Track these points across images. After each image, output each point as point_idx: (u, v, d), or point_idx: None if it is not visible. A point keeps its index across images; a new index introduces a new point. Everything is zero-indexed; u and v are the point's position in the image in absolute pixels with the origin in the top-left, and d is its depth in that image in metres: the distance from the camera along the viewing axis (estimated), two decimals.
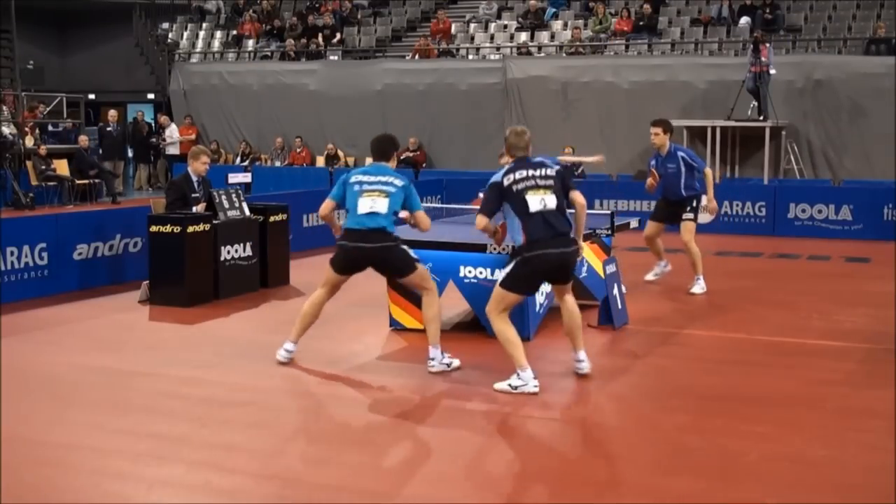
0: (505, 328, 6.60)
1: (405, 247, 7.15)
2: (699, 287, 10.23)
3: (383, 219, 6.94)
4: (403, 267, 7.12)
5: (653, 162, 10.41)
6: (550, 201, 6.45)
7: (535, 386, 6.43)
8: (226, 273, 9.87)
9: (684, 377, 7.21)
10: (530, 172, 6.52)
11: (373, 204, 6.93)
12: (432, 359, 6.99)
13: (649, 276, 10.77)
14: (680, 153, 10.19)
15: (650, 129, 10.32)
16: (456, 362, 7.07)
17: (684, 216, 10.24)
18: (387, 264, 7.16)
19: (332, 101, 22.25)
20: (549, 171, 6.57)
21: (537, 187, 6.46)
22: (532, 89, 20.50)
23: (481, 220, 6.62)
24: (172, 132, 23.54)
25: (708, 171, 10.32)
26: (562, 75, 20.36)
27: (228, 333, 8.65)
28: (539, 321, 8.26)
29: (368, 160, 24.00)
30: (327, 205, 7.19)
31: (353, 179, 7.08)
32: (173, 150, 23.31)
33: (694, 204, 10.28)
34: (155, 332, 8.79)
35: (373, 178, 7.04)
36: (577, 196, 6.63)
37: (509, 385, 6.48)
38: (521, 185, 6.47)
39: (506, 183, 6.51)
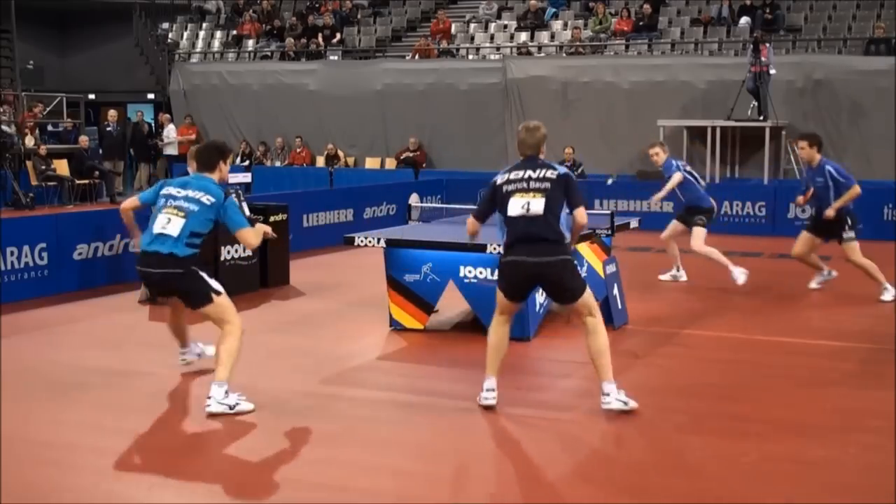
0: (491, 329, 6.27)
1: (203, 275, 6.18)
2: (889, 295, 9.78)
3: (173, 242, 6.05)
4: (194, 299, 6.22)
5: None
6: (536, 206, 5.88)
7: (486, 399, 6.08)
8: (226, 273, 9.87)
9: (684, 377, 7.22)
10: (528, 174, 5.99)
11: (166, 223, 6.09)
12: (210, 397, 5.94)
13: (813, 284, 10.51)
14: (828, 167, 9.86)
15: (798, 143, 10.44)
16: (247, 406, 6.00)
17: (845, 235, 9.87)
18: (176, 293, 6.39)
19: (332, 101, 22.25)
20: (550, 174, 5.96)
21: (526, 190, 5.93)
22: (532, 89, 20.50)
23: (470, 223, 6.28)
24: (169, 132, 23.54)
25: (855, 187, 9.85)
26: (562, 75, 20.36)
27: None
28: (539, 321, 8.26)
29: (368, 160, 23.97)
30: (130, 202, 6.44)
31: (164, 190, 6.27)
32: (171, 151, 23.30)
33: (850, 222, 9.88)
34: (155, 331, 8.77)
35: (181, 193, 6.18)
36: (580, 214, 5.99)
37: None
38: (511, 187, 5.99)
39: (498, 181, 6.09)
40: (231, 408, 5.89)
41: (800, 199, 10.44)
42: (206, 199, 6.11)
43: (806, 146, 9.98)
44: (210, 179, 6.28)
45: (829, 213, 9.75)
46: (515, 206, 5.93)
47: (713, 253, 10.48)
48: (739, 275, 10.29)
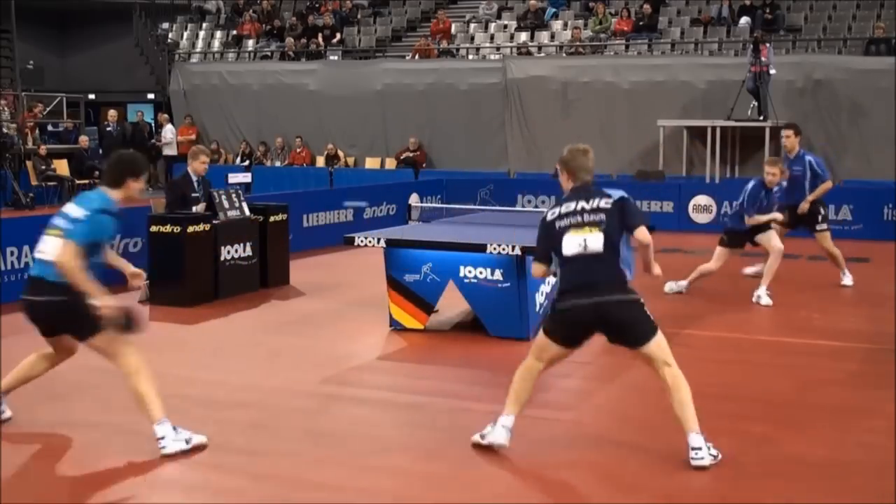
0: (521, 373, 5.57)
1: (87, 303, 5.38)
2: (848, 279, 10.66)
3: (46, 266, 5.39)
4: (76, 329, 5.51)
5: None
6: (594, 243, 5.19)
7: (503, 438, 5.42)
8: (226, 273, 9.88)
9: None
10: (580, 205, 5.29)
11: (43, 246, 5.47)
12: (160, 438, 5.30)
13: (845, 282, 10.80)
14: (808, 157, 10.54)
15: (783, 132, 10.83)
16: (199, 438, 5.42)
17: (818, 227, 10.57)
18: (54, 324, 5.58)
19: (332, 101, 22.25)
20: (604, 203, 5.27)
21: (581, 225, 5.24)
22: (532, 89, 20.50)
23: (536, 269, 5.55)
24: (168, 132, 23.54)
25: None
26: (562, 75, 20.35)
27: (228, 333, 8.65)
28: (539, 321, 8.25)
29: (368, 160, 23.97)
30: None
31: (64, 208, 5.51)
32: (170, 151, 23.30)
33: (822, 213, 10.60)
34: (155, 332, 8.77)
35: (66, 209, 5.47)
36: (642, 234, 5.28)
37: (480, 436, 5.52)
38: (563, 223, 5.29)
39: (549, 218, 5.40)
40: (187, 442, 5.31)
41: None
42: (81, 213, 5.36)
43: (791, 134, 10.53)
44: (102, 194, 5.45)
45: (804, 206, 10.35)
46: (571, 245, 5.24)
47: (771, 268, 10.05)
48: (764, 298, 9.77)
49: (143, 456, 5.35)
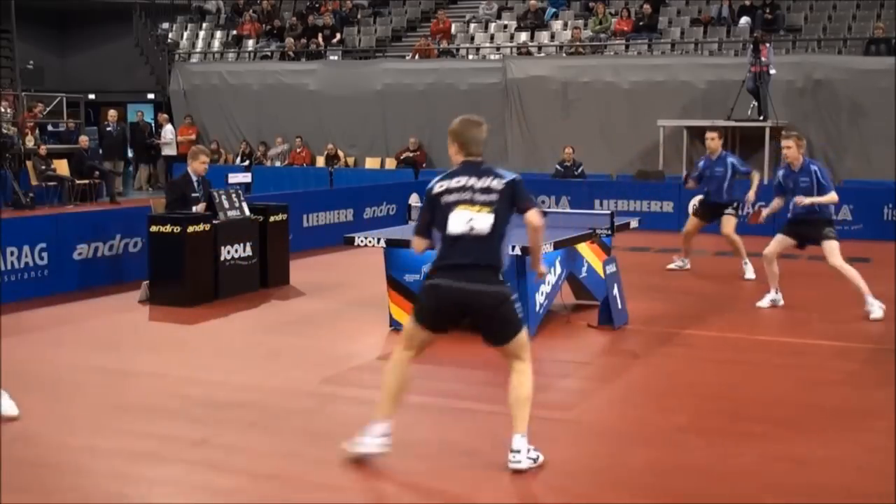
0: (392, 367, 5.25)
1: None
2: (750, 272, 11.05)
3: None
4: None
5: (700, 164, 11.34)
6: (481, 223, 4.95)
7: (381, 445, 5.14)
8: (226, 273, 9.87)
9: (684, 377, 7.21)
10: (471, 182, 5.02)
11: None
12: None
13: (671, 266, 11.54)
14: (730, 159, 11.18)
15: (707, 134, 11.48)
16: None
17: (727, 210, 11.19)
18: None
19: (332, 101, 22.25)
20: (496, 184, 5.01)
21: (471, 203, 4.98)
22: (532, 89, 20.50)
23: (416, 242, 5.27)
24: (167, 132, 23.54)
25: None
26: (562, 75, 20.36)
27: (228, 333, 8.65)
28: (539, 321, 8.25)
29: (368, 160, 24.01)
30: None
31: None
32: (169, 151, 23.31)
33: (735, 204, 11.25)
34: (155, 332, 8.79)
35: None
36: (533, 216, 5.04)
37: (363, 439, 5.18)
38: (451, 197, 5.02)
39: (436, 190, 5.11)
40: None
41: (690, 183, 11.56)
42: None
43: (716, 136, 11.29)
44: None
45: (750, 196, 10.94)
46: (458, 222, 4.97)
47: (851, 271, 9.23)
48: (877, 308, 8.99)
49: (144, 456, 5.35)
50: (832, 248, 9.00)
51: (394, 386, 5.23)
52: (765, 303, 9.54)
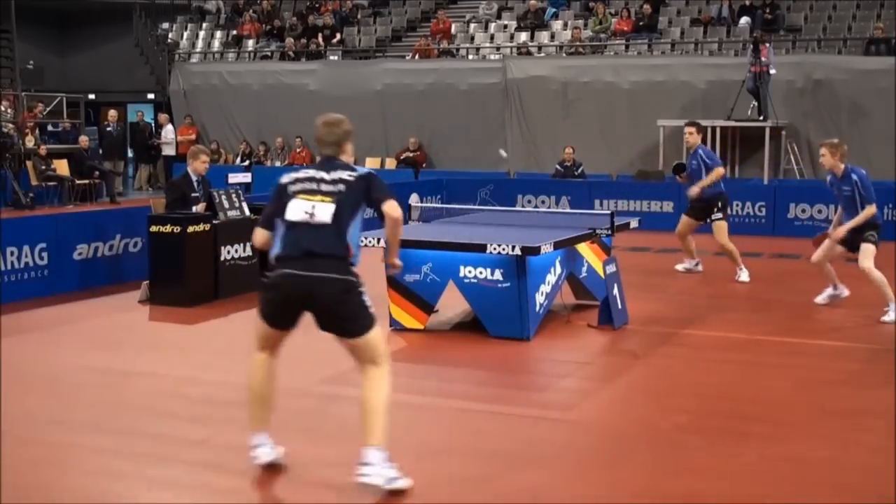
0: (250, 372, 5.06)
1: None
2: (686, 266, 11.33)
3: None
4: None
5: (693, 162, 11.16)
6: (323, 213, 4.78)
7: (258, 456, 5.04)
8: (226, 273, 9.87)
9: (684, 377, 7.21)
10: (321, 174, 4.88)
11: None
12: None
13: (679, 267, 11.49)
14: (700, 151, 11.10)
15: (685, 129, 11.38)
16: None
17: (714, 216, 11.04)
18: None
19: (332, 101, 22.17)
20: (347, 176, 4.87)
21: (314, 192, 4.83)
22: (532, 89, 20.50)
23: (257, 235, 5.01)
24: (168, 132, 23.54)
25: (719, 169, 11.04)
26: (562, 75, 20.36)
27: (228, 333, 8.65)
28: (539, 321, 8.26)
29: (368, 160, 24.03)
30: None
31: None
32: (169, 151, 23.31)
33: (720, 205, 11.08)
34: (155, 332, 8.79)
35: None
36: (390, 208, 4.89)
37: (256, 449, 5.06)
38: (297, 187, 4.88)
39: (284, 181, 4.98)
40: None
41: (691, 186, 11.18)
42: None
43: (694, 131, 11.24)
44: None
45: (694, 190, 10.94)
46: (297, 210, 4.81)
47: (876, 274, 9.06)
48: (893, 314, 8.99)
49: (144, 456, 5.35)
50: (867, 252, 9.00)
51: (258, 390, 5.05)
52: (822, 298, 9.65)
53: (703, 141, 18.43)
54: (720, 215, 11.06)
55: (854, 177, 9.14)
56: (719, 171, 11.04)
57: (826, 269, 9.48)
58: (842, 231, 9.04)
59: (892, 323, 8.81)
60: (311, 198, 4.82)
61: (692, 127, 11.38)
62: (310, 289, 4.75)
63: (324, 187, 4.84)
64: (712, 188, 11.03)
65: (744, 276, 11.02)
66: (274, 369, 5.07)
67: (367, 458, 4.66)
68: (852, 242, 9.13)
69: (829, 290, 9.66)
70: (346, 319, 4.83)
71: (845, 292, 9.60)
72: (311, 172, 4.92)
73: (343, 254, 4.85)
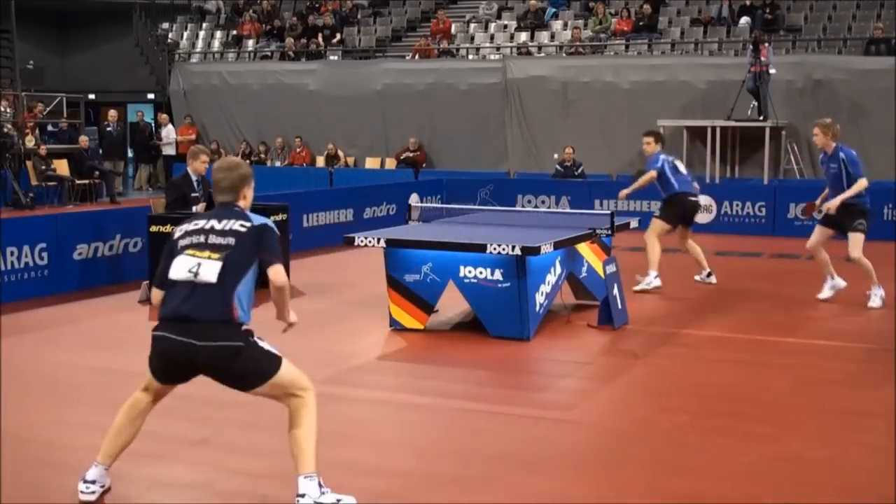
0: (124, 406, 4.77)
1: None
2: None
3: None
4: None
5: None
6: (208, 272, 4.40)
7: (84, 493, 4.67)
8: None
9: (684, 377, 7.22)
10: (211, 224, 4.51)
11: None
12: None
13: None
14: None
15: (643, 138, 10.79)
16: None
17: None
18: None
19: (332, 101, 22.25)
20: (239, 226, 4.48)
21: (202, 246, 4.45)
22: (532, 89, 20.50)
23: (154, 296, 4.65)
24: (169, 132, 23.54)
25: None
26: (562, 75, 20.36)
27: None
28: (539, 321, 8.26)
29: (368, 160, 24.04)
30: None
31: None
32: (169, 151, 23.31)
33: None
34: None
35: None
36: (275, 274, 4.48)
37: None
38: (185, 241, 4.51)
39: (175, 235, 4.61)
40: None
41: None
42: None
43: (651, 141, 10.69)
44: None
45: (623, 193, 11.03)
46: (181, 268, 4.45)
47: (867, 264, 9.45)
48: (877, 299, 9.45)
49: (144, 456, 5.35)
50: (856, 241, 9.31)
51: (118, 424, 4.72)
52: (825, 293, 9.79)
53: (703, 141, 18.62)
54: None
55: (842, 154, 9.43)
56: (651, 175, 10.56)
57: (821, 257, 9.70)
58: (835, 203, 9.27)
59: (879, 308, 9.26)
60: (199, 254, 4.44)
61: (650, 137, 10.74)
62: (192, 356, 4.41)
63: (213, 239, 4.46)
64: (666, 190, 10.67)
65: (705, 277, 10.76)
66: (146, 414, 4.73)
67: (301, 489, 4.51)
68: (842, 224, 9.42)
69: (829, 283, 9.82)
70: (244, 378, 4.52)
71: (843, 283, 9.80)
72: (202, 223, 4.54)
73: (228, 317, 4.41)
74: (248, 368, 4.49)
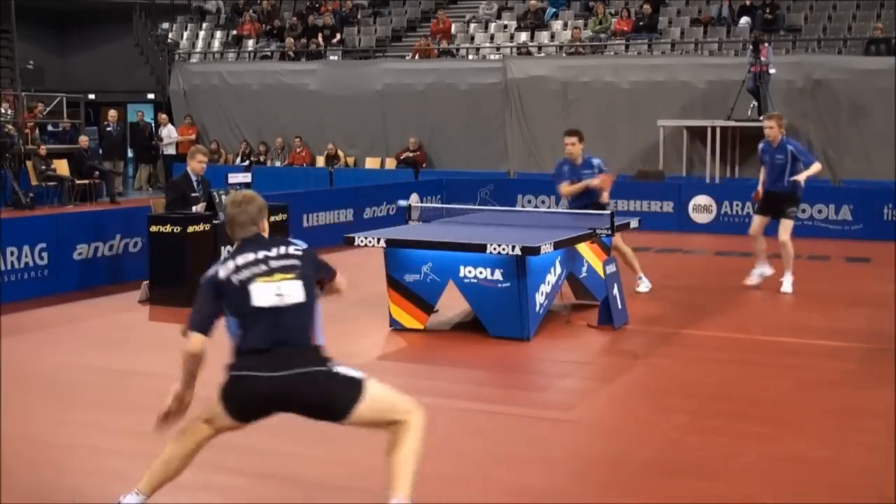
0: (179, 435, 4.47)
1: None
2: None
3: None
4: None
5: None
6: (293, 290, 4.24)
7: None
8: None
9: (684, 377, 7.22)
10: (262, 254, 4.32)
11: None
12: None
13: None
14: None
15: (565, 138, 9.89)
16: None
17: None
18: None
19: (332, 101, 22.25)
20: (293, 250, 4.39)
21: (270, 272, 4.25)
22: (532, 89, 20.50)
23: (194, 343, 4.25)
24: (170, 132, 23.55)
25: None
26: (562, 75, 20.35)
27: None
28: (539, 321, 8.26)
29: (368, 160, 24.02)
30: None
31: None
32: (170, 151, 23.31)
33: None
34: (155, 332, 8.79)
35: None
36: (341, 283, 4.62)
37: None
38: (244, 274, 4.25)
39: (222, 275, 4.29)
40: None
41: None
42: None
43: (575, 141, 9.94)
44: None
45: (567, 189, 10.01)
46: (264, 295, 4.19)
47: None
48: (788, 284, 10.22)
49: (144, 456, 5.35)
50: (787, 226, 10.10)
51: (170, 455, 4.44)
52: (753, 279, 10.45)
53: (703, 141, 18.61)
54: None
55: (790, 147, 10.12)
56: (606, 180, 9.91)
57: (759, 245, 10.44)
58: (803, 176, 9.94)
59: (790, 294, 10.08)
60: (272, 279, 4.23)
61: (573, 136, 9.81)
62: (282, 391, 4.16)
63: (275, 264, 4.28)
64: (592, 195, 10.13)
65: (643, 285, 10.29)
66: (202, 447, 4.44)
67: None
68: (778, 211, 10.17)
69: (757, 269, 10.50)
70: (332, 409, 4.26)
71: (770, 270, 10.48)
72: (250, 256, 4.30)
73: (314, 342, 4.30)
74: (339, 394, 4.23)
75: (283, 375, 4.12)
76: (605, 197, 9.78)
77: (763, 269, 10.52)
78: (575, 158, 9.73)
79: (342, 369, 4.26)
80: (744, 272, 11.91)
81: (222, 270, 4.31)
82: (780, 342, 8.22)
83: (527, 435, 5.78)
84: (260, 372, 4.14)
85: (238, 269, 4.28)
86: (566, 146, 9.75)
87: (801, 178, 9.95)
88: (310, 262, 4.39)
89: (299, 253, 4.39)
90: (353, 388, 4.24)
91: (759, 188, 10.38)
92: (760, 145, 10.39)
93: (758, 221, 10.43)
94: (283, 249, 4.37)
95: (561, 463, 5.32)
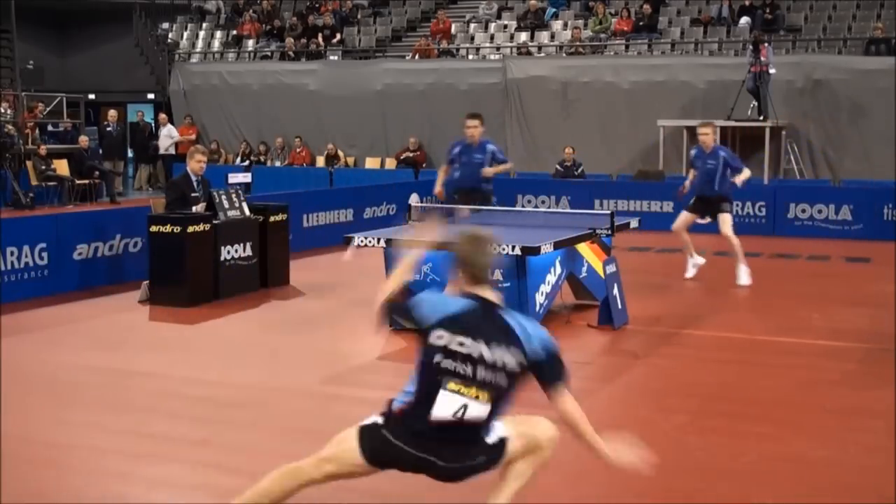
0: (285, 473, 4.15)
1: None
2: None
3: None
4: None
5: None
6: (477, 412, 3.83)
7: None
8: (226, 273, 9.87)
9: (684, 377, 7.21)
10: (479, 350, 3.82)
11: None
12: None
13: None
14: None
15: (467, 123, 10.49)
16: None
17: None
18: None
19: (332, 101, 22.25)
20: (511, 360, 3.85)
21: (469, 381, 3.79)
22: (532, 89, 20.50)
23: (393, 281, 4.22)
24: (170, 132, 23.55)
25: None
26: (562, 75, 20.36)
27: (228, 333, 8.65)
28: (539, 321, 8.24)
29: (368, 160, 24.00)
30: None
31: None
32: (170, 151, 23.31)
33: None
34: (155, 332, 8.79)
35: None
36: (569, 404, 4.19)
37: None
38: (447, 364, 3.81)
39: (431, 338, 3.87)
40: None
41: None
42: None
43: (477, 124, 10.42)
44: None
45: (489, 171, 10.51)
46: (445, 408, 3.80)
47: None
48: (745, 276, 10.60)
49: (144, 456, 5.35)
50: (725, 220, 10.65)
51: (266, 489, 4.16)
52: (690, 272, 10.93)
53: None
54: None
55: (722, 153, 10.75)
56: (509, 166, 11.28)
57: (684, 238, 10.95)
58: (740, 179, 10.58)
59: (747, 285, 10.43)
60: (465, 391, 3.78)
61: (475, 124, 10.38)
62: (426, 468, 3.99)
63: (481, 374, 3.78)
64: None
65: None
66: (305, 487, 4.16)
67: None
68: (712, 208, 10.74)
69: (690, 262, 10.97)
70: (477, 473, 4.08)
71: (702, 260, 11.02)
72: (468, 343, 3.79)
73: (480, 442, 3.96)
74: (485, 463, 4.07)
75: (432, 462, 3.95)
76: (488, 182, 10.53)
77: (696, 260, 11.01)
78: (473, 141, 10.38)
79: (492, 450, 3.98)
80: None
81: (434, 334, 3.82)
82: (780, 342, 8.22)
83: None
84: (411, 448, 3.91)
85: (447, 351, 3.80)
86: (467, 129, 10.40)
87: (739, 181, 10.57)
88: (522, 380, 3.91)
89: (517, 370, 3.86)
90: (496, 452, 4.03)
91: (686, 184, 11.18)
92: (693, 151, 11.09)
93: (683, 217, 10.92)
94: (500, 356, 3.80)
95: (561, 463, 5.31)
